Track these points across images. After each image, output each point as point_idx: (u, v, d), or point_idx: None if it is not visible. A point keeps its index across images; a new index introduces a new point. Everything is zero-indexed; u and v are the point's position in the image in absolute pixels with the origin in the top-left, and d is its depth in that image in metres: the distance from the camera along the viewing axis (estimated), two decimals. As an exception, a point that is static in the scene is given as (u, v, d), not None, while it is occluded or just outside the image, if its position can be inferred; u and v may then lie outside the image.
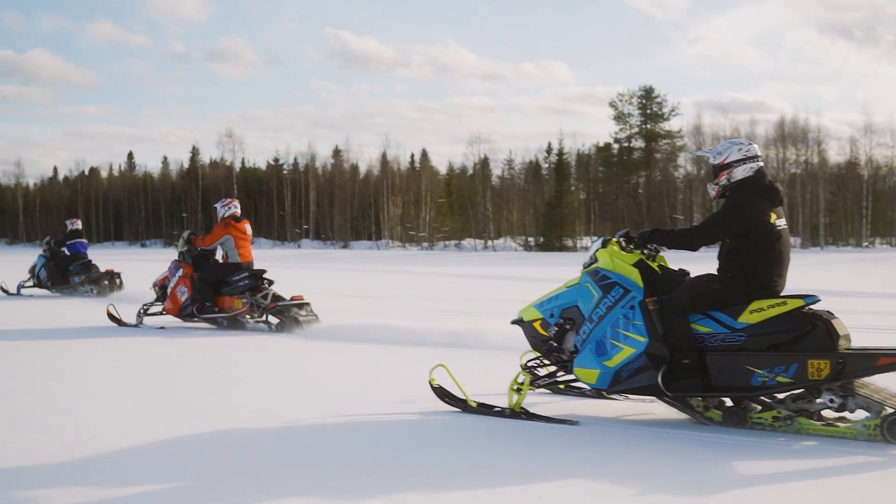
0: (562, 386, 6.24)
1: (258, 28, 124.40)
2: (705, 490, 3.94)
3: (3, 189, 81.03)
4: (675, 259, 5.78)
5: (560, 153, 62.11)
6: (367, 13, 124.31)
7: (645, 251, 5.64)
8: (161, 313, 11.70)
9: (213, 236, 11.37)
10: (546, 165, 66.10)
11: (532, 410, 5.56)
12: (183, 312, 11.35)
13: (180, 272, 11.49)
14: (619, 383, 5.28)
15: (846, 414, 4.95)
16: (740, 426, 5.11)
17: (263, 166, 76.41)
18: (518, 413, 5.51)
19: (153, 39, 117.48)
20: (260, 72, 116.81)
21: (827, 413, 5.04)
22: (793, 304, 5.00)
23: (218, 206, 11.60)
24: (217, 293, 11.13)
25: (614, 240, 5.72)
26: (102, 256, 39.36)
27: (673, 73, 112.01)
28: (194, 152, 76.23)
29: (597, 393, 6.09)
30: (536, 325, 5.92)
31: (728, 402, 5.29)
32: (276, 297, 10.81)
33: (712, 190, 5.48)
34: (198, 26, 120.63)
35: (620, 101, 62.29)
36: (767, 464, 4.41)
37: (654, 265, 5.61)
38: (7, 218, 77.53)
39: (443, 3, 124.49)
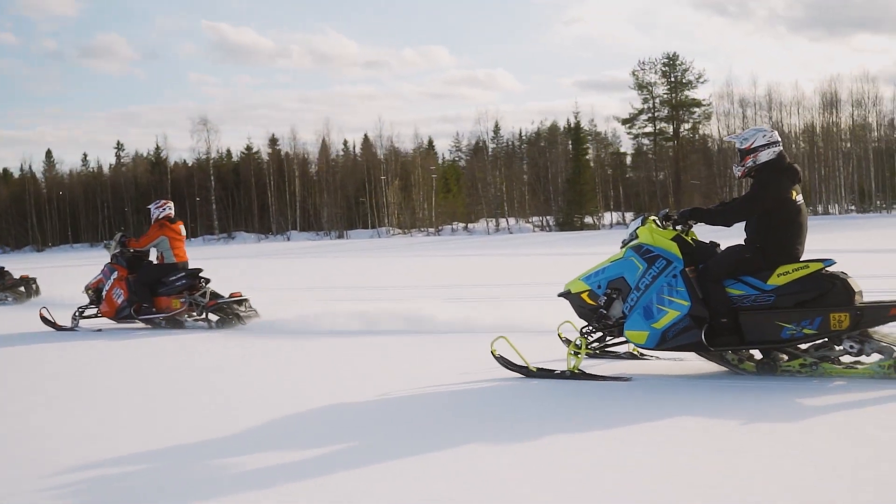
0: (598, 351, 7.80)
1: (133, 23, 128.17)
2: (766, 418, 5.29)
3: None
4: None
5: (577, 126, 63.49)
6: (243, 4, 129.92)
7: (678, 227, 7.14)
8: (96, 316, 12.92)
9: (148, 237, 12.69)
10: (493, 146, 68.98)
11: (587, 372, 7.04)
12: (120, 315, 12.54)
13: (115, 275, 12.70)
14: (665, 342, 6.78)
15: (862, 357, 6.46)
16: (772, 374, 6.62)
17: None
18: (577, 374, 6.99)
19: (22, 37, 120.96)
20: (137, 68, 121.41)
21: (845, 358, 6.54)
22: (814, 267, 6.50)
23: (152, 207, 12.92)
24: (154, 294, 12.37)
25: (652, 218, 7.23)
26: (63, 260, 40.12)
27: (552, 54, 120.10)
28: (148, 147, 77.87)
29: (631, 354, 7.73)
30: (584, 295, 7.45)
31: (758, 354, 6.79)
32: (215, 295, 12.12)
33: (738, 171, 7.03)
34: (70, 22, 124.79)
35: (642, 69, 63.65)
36: (808, 400, 5.80)
37: (689, 239, 7.12)
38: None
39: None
